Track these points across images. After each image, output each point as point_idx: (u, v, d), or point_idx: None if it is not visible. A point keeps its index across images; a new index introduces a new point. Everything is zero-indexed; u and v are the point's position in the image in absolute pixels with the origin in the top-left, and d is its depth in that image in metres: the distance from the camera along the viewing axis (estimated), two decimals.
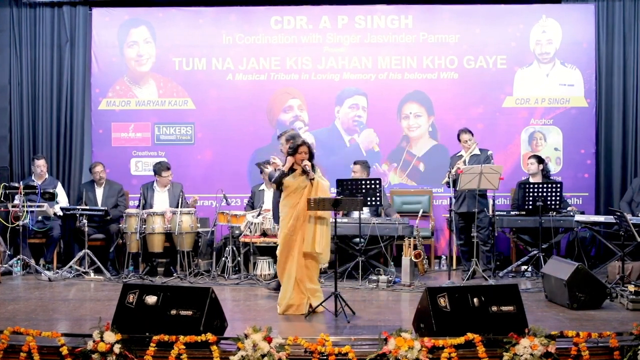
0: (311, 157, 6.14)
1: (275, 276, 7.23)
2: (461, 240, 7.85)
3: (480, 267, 7.46)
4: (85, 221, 7.97)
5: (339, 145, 9.30)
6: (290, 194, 6.09)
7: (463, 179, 7.25)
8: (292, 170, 6.14)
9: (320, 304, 5.96)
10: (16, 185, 8.15)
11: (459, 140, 7.84)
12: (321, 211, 5.92)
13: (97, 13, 9.37)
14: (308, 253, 6.00)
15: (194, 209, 8.14)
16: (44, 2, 9.40)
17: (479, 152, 7.78)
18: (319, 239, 5.97)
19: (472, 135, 7.83)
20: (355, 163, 8.43)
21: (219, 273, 7.87)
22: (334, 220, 6.20)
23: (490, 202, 7.76)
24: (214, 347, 4.61)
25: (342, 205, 6.05)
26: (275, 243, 6.40)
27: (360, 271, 7.62)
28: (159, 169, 8.40)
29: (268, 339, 4.60)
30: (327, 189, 6.13)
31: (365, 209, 8.06)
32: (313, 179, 6.02)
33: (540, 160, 8.37)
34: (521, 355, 4.53)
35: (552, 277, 6.37)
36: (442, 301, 4.87)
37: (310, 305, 6.01)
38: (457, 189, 7.44)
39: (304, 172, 6.04)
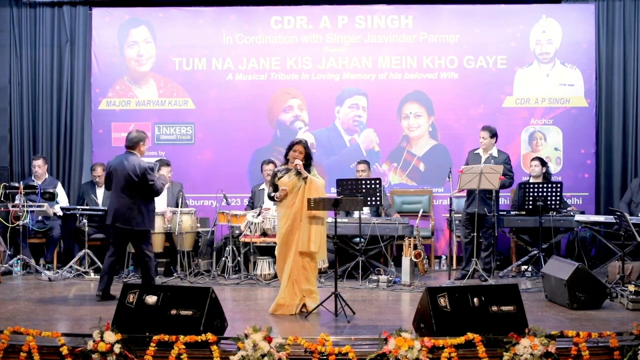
0: (308, 157, 6.14)
1: (276, 276, 7.24)
2: (467, 238, 7.81)
3: (479, 266, 7.46)
4: (85, 221, 7.98)
5: (339, 145, 9.30)
6: (287, 194, 6.09)
7: (463, 179, 7.26)
8: (287, 170, 6.14)
9: (321, 304, 5.96)
10: (16, 185, 8.16)
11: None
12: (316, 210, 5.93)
13: (97, 13, 9.37)
14: (305, 253, 6.00)
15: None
16: (44, 2, 9.41)
17: (496, 156, 7.76)
18: (314, 237, 5.97)
19: (491, 135, 7.72)
20: (361, 162, 8.46)
21: (219, 273, 7.87)
22: (334, 220, 6.20)
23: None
24: (214, 347, 4.61)
25: (343, 205, 6.04)
26: (275, 243, 6.40)
27: (360, 271, 7.62)
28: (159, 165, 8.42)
29: (268, 339, 4.60)
30: (321, 188, 6.12)
31: (366, 209, 8.07)
32: (306, 177, 6.02)
33: (543, 162, 8.36)
34: (521, 355, 4.53)
35: (552, 277, 6.37)
36: (442, 301, 4.87)
37: (305, 305, 6.03)
38: (458, 188, 7.44)
39: (297, 171, 6.04)
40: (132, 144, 6.68)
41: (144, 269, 6.67)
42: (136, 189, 6.53)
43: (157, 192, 6.67)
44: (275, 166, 7.99)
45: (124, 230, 6.59)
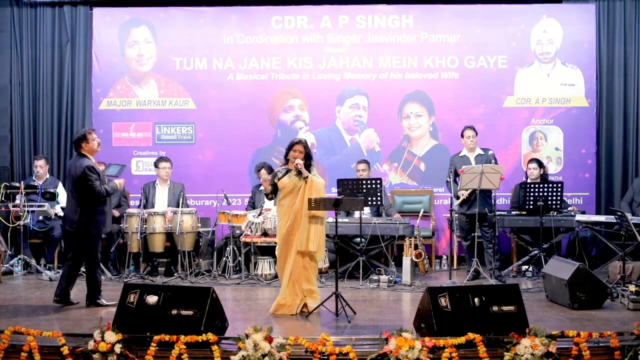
0: (308, 156, 6.14)
1: (276, 276, 7.24)
2: (468, 241, 7.81)
3: (487, 267, 7.46)
4: None
5: (339, 145, 9.30)
6: (287, 194, 6.09)
7: (464, 179, 7.25)
8: (287, 170, 6.14)
9: (321, 304, 5.96)
10: (17, 185, 8.16)
11: (462, 136, 7.84)
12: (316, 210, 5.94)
13: (98, 13, 9.38)
14: (305, 252, 6.00)
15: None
16: (45, 2, 9.42)
17: (482, 152, 7.80)
18: (313, 237, 5.98)
19: (477, 133, 7.84)
20: (361, 162, 8.47)
21: (220, 273, 7.87)
22: (334, 220, 6.20)
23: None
24: (214, 347, 4.62)
25: (343, 205, 6.05)
26: (276, 243, 6.40)
27: (361, 271, 7.62)
28: (157, 160, 8.47)
29: (269, 339, 4.60)
30: (321, 188, 6.13)
31: (366, 209, 8.07)
32: (306, 177, 6.02)
33: (540, 164, 8.34)
34: (522, 355, 4.53)
35: (553, 277, 6.37)
36: (443, 301, 4.87)
37: (306, 305, 6.03)
38: (459, 188, 7.44)
39: (298, 171, 6.04)
40: (75, 146, 6.41)
41: (90, 275, 6.40)
42: (79, 191, 6.28)
43: (99, 194, 6.27)
44: (269, 171, 8.00)
45: (70, 232, 6.48)
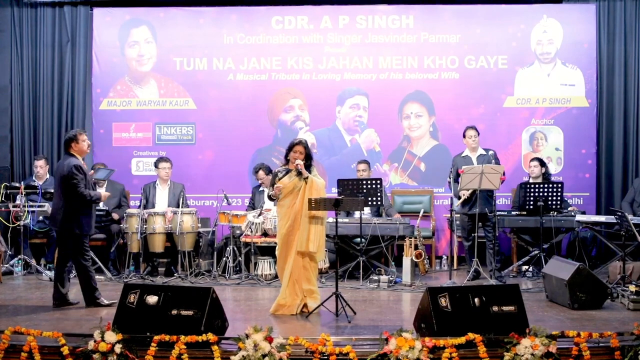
0: (308, 157, 6.14)
1: (276, 276, 7.24)
2: (469, 241, 7.81)
3: (488, 267, 7.45)
4: None
5: (339, 145, 9.30)
6: (287, 194, 6.09)
7: (464, 179, 7.25)
8: (288, 171, 6.14)
9: (321, 304, 5.96)
10: (17, 185, 8.16)
11: (464, 136, 7.84)
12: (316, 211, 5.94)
13: (98, 13, 9.38)
14: (305, 253, 6.00)
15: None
16: (45, 2, 9.42)
17: (484, 152, 7.81)
18: (313, 238, 5.98)
19: (478, 133, 7.84)
20: (362, 162, 8.48)
21: (220, 273, 7.87)
22: (334, 220, 6.20)
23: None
24: (214, 347, 4.62)
25: (343, 205, 6.05)
26: (276, 243, 6.40)
27: (361, 271, 7.62)
28: (157, 160, 8.48)
29: (269, 339, 4.60)
30: (322, 188, 6.13)
31: (366, 209, 8.06)
32: (307, 178, 6.02)
33: (542, 163, 8.35)
34: (522, 355, 4.53)
35: (553, 277, 6.37)
36: (443, 301, 4.87)
37: (306, 306, 6.03)
38: (459, 188, 7.44)
39: (298, 172, 6.04)
40: (65, 146, 6.43)
41: (80, 275, 6.33)
42: (65, 190, 6.26)
43: (81, 195, 6.21)
44: (267, 172, 7.98)
45: (56, 232, 6.46)
